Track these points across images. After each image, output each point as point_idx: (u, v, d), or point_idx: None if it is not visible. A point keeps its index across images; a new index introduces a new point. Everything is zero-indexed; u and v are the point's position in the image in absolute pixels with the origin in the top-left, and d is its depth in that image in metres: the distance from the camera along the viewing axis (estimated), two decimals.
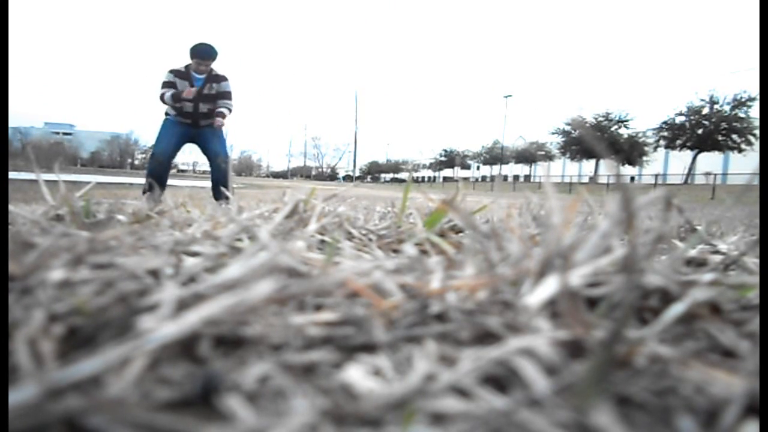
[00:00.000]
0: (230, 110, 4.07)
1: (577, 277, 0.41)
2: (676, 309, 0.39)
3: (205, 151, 4.13)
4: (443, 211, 0.78)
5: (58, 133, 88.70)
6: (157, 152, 3.98)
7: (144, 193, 3.46)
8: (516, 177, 55.60)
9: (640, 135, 36.55)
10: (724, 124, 30.63)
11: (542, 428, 0.25)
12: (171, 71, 3.94)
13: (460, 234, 0.82)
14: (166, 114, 4.07)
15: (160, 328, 0.29)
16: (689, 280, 0.46)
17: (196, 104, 3.94)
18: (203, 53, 3.86)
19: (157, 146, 4.00)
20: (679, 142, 32.82)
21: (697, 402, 0.28)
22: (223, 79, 4.01)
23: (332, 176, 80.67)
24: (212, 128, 4.08)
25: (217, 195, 3.71)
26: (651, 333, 0.37)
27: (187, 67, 3.93)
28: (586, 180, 39.13)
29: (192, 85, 3.91)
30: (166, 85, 3.94)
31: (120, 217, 0.83)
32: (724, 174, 36.41)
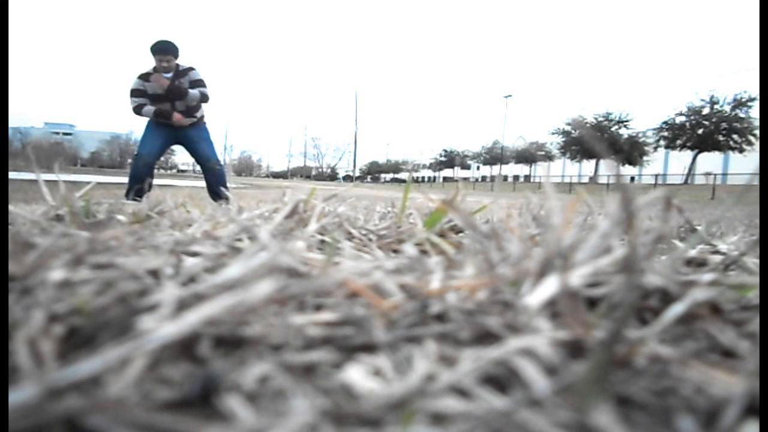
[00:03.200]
0: (205, 95, 3.95)
1: (577, 277, 0.41)
2: (676, 309, 0.39)
3: (194, 155, 4.08)
4: (443, 211, 0.78)
5: (58, 133, 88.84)
6: (144, 153, 3.89)
7: (127, 195, 3.41)
8: (516, 177, 55.65)
9: (640, 135, 36.57)
10: (724, 125, 30.64)
11: (542, 428, 0.25)
12: (139, 77, 3.83)
13: (460, 234, 0.82)
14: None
15: (160, 328, 0.29)
16: (689, 280, 0.46)
17: (171, 105, 3.86)
18: (161, 49, 3.76)
19: (143, 147, 3.92)
20: (679, 142, 32.83)
21: (697, 402, 0.28)
22: (190, 69, 3.92)
23: (332, 176, 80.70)
24: (197, 129, 4.01)
25: (215, 197, 3.70)
26: (651, 333, 0.37)
27: (154, 68, 3.83)
28: (586, 180, 39.15)
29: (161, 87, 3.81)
30: (137, 93, 3.82)
31: (120, 217, 0.83)
32: (724, 174, 36.42)
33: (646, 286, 0.42)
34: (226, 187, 3.93)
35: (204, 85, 3.97)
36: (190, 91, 3.89)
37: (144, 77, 3.83)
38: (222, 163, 4.13)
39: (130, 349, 0.27)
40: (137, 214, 0.90)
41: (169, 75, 3.87)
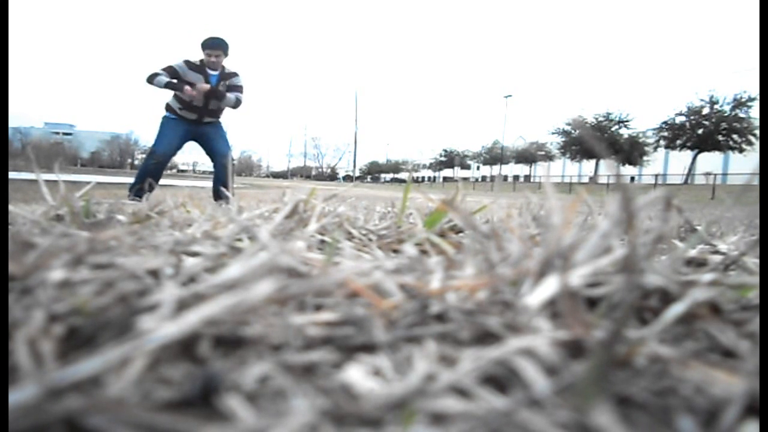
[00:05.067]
0: (239, 101, 3.98)
1: (577, 277, 0.41)
2: (676, 309, 0.39)
3: (209, 151, 4.07)
4: (443, 211, 0.78)
5: (58, 133, 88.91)
6: (159, 152, 3.86)
7: (130, 190, 3.39)
8: (516, 177, 55.71)
9: (640, 135, 36.58)
10: (724, 125, 30.64)
11: (542, 428, 0.25)
12: (185, 62, 3.83)
13: (460, 234, 0.82)
14: (167, 110, 3.96)
15: (160, 328, 0.29)
16: (689, 280, 0.46)
17: (207, 100, 3.87)
18: (212, 44, 3.82)
19: (159, 145, 3.87)
20: (679, 142, 32.84)
21: (697, 402, 0.28)
22: (235, 74, 3.98)
23: (332, 176, 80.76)
24: (215, 127, 4.03)
25: (218, 195, 3.69)
26: (651, 333, 0.37)
27: (201, 61, 3.86)
28: (586, 180, 39.18)
29: (207, 81, 3.83)
30: (168, 70, 3.79)
31: (120, 217, 0.83)
32: (724, 174, 36.45)
33: (646, 286, 0.42)
34: (226, 185, 3.92)
35: (241, 92, 4.00)
36: (228, 95, 3.92)
37: (190, 65, 3.83)
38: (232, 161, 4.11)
39: (130, 349, 0.27)
40: (137, 214, 0.90)
41: (216, 74, 3.88)
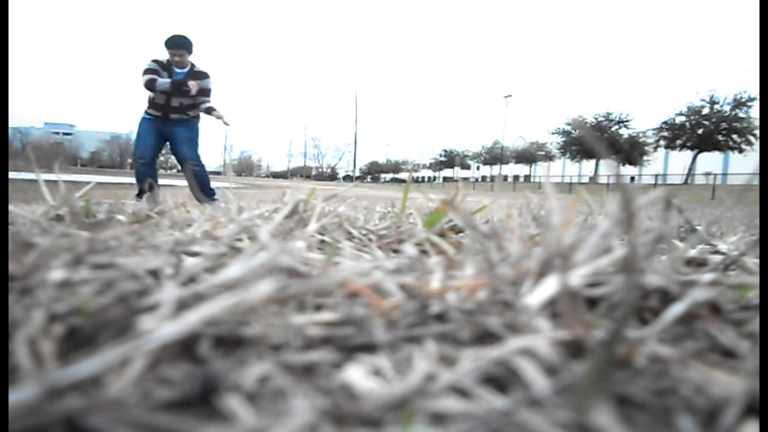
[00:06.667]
0: (207, 109, 3.99)
1: (577, 277, 0.41)
2: (676, 309, 0.39)
3: (174, 154, 4.08)
4: (443, 211, 0.78)
5: (58, 133, 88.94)
6: (138, 154, 3.92)
7: (138, 196, 3.43)
8: (516, 177, 55.73)
9: (640, 135, 36.61)
10: (724, 125, 30.68)
11: (542, 428, 0.25)
12: (154, 60, 3.84)
13: (460, 234, 0.82)
14: (145, 112, 3.99)
15: (160, 328, 0.29)
16: (689, 280, 0.46)
17: (168, 97, 3.86)
18: (174, 43, 3.79)
19: (138, 148, 3.93)
20: (679, 142, 32.88)
21: (697, 402, 0.28)
22: (205, 75, 3.94)
23: (332, 176, 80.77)
24: (186, 127, 4.01)
25: (199, 197, 3.69)
26: (651, 333, 0.37)
27: (168, 60, 3.85)
28: (586, 180, 39.20)
29: (171, 78, 3.82)
30: (150, 71, 3.80)
31: (120, 217, 0.83)
32: (724, 174, 36.47)
33: (646, 286, 0.42)
34: (209, 187, 3.92)
35: (209, 95, 3.99)
36: (204, 106, 3.92)
37: (159, 63, 3.83)
38: (202, 163, 4.08)
39: (130, 349, 0.27)
40: (137, 214, 0.90)
41: (183, 71, 3.86)
